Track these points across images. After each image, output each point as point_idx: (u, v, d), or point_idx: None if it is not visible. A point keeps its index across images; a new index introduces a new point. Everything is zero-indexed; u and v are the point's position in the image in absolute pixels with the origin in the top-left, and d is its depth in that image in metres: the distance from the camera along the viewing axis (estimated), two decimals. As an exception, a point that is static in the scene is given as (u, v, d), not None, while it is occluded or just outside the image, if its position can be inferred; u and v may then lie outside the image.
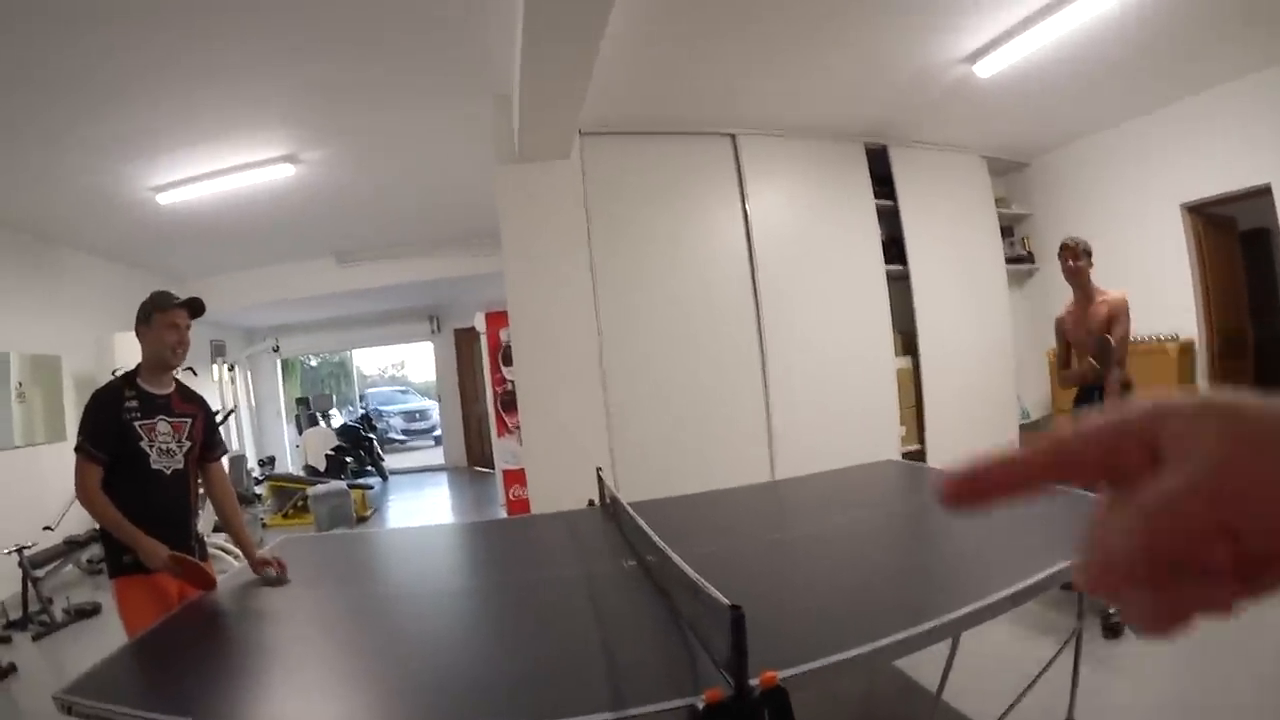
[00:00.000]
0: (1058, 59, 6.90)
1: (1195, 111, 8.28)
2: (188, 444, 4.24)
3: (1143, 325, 5.88)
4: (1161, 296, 8.46)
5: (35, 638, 7.54)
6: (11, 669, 6.62)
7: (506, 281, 7.38)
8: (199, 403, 4.48)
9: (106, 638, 6.51)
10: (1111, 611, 5.15)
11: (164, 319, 4.14)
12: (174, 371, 4.34)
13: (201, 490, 4.56)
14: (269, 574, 4.11)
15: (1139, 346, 7.20)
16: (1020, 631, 5.15)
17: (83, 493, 3.94)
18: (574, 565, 4.08)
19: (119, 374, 4.28)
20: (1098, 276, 6.07)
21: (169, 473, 4.13)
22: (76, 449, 3.95)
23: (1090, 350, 5.91)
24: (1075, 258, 5.99)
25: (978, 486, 0.59)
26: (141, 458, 4.04)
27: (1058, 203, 10.08)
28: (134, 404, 4.07)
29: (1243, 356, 9.10)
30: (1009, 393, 9.26)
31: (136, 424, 4.04)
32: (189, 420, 4.28)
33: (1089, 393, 6.03)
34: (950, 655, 2.89)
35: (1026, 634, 5.08)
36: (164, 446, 4.12)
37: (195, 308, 4.29)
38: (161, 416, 4.14)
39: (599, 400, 7.44)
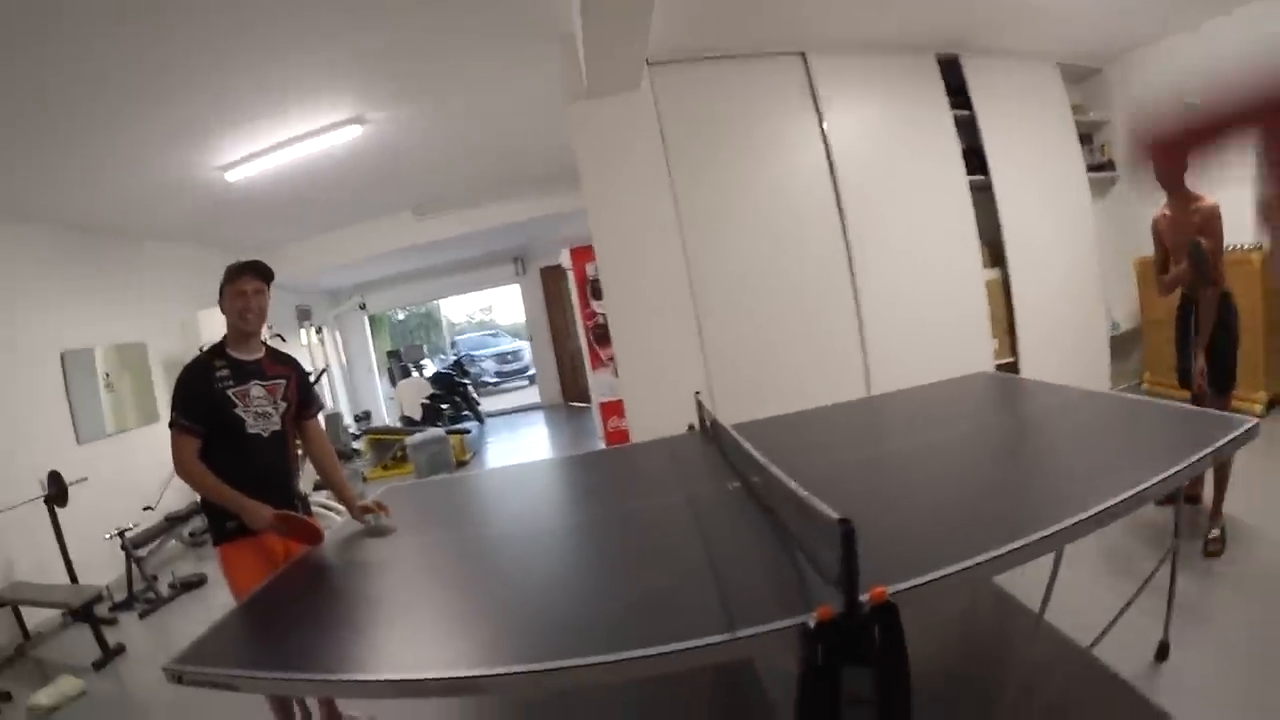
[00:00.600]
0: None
1: (1266, 15, 7.91)
2: (283, 405, 4.32)
3: (1227, 234, 5.67)
4: (1233, 202, 8.25)
5: (142, 615, 7.72)
6: (120, 649, 6.77)
7: (590, 217, 7.41)
8: (291, 364, 4.55)
9: (213, 607, 6.66)
10: (1212, 533, 5.13)
11: (231, 290, 4.22)
12: (260, 336, 4.41)
13: (300, 449, 4.65)
14: (372, 520, 4.22)
15: (1224, 256, 7.09)
16: (1115, 553, 5.12)
17: (180, 466, 4.04)
18: (677, 490, 4.09)
19: (204, 349, 4.32)
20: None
21: (266, 435, 4.22)
22: (170, 424, 4.03)
23: (1183, 257, 5.53)
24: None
25: (1171, 142, 0.63)
26: (237, 424, 4.12)
27: (1136, 107, 9.71)
28: (224, 373, 4.15)
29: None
30: (1098, 304, 9.06)
31: (229, 391, 4.12)
32: (283, 382, 4.37)
33: (1188, 305, 5.70)
34: (1053, 572, 2.87)
35: (1122, 556, 5.05)
36: (259, 410, 4.20)
37: (259, 270, 4.32)
38: (255, 381, 4.23)
39: (692, 326, 7.45)
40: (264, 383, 4.26)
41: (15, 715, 5.96)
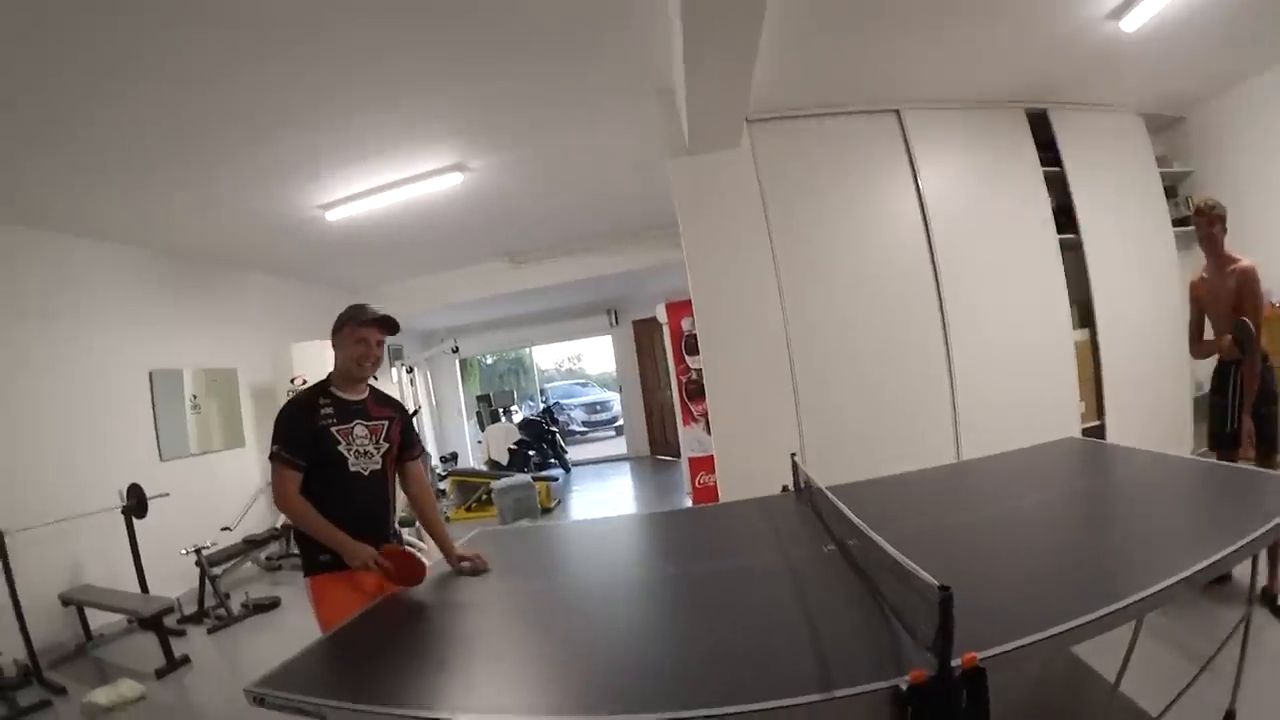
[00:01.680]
0: (1202, 3, 6.74)
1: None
2: (385, 445, 4.41)
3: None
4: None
5: (210, 631, 7.96)
6: (185, 660, 6.96)
7: (689, 272, 7.51)
8: (395, 406, 4.66)
9: (284, 631, 6.79)
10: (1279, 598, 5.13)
11: (354, 334, 4.35)
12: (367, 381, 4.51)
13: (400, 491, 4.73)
14: (466, 568, 4.28)
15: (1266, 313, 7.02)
16: (1186, 622, 5.11)
17: (282, 500, 4.14)
18: (772, 551, 4.12)
19: (303, 382, 4.40)
20: (1232, 242, 5.90)
21: (367, 474, 4.31)
22: (272, 457, 4.13)
23: (1225, 328, 5.79)
24: (1210, 224, 5.81)
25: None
26: (339, 461, 4.21)
27: (1218, 156, 9.66)
28: (329, 410, 4.26)
29: None
30: (1182, 364, 8.80)
31: (333, 429, 4.22)
32: (385, 423, 4.46)
33: (1226, 368, 5.91)
34: (1132, 639, 2.90)
35: (1193, 624, 5.04)
36: (361, 449, 4.30)
37: (388, 326, 4.49)
38: (358, 421, 4.33)
39: (787, 385, 7.50)
40: (368, 423, 4.37)
41: (70, 711, 6.16)
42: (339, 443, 4.22)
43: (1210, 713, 3.90)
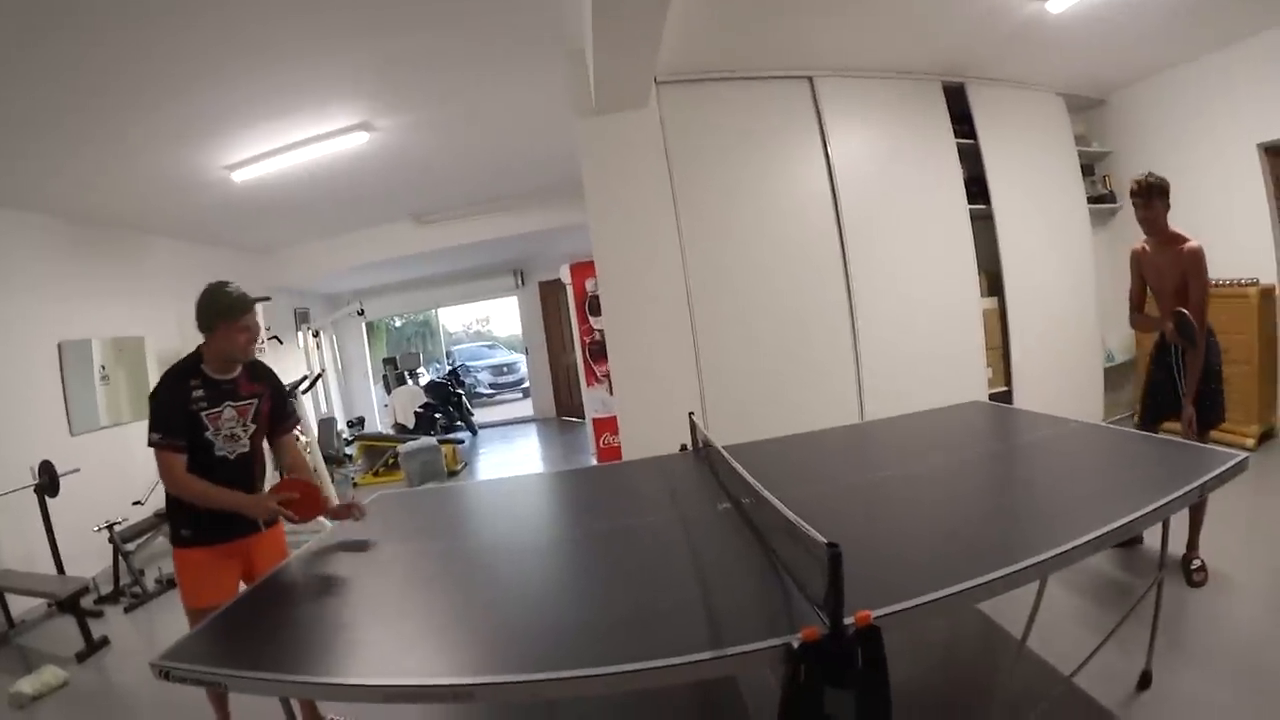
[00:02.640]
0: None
1: (1275, 47, 8.00)
2: (252, 426, 4.34)
3: (1222, 268, 5.66)
4: (1240, 238, 8.31)
5: (127, 609, 7.73)
6: (104, 642, 6.79)
7: (592, 233, 7.42)
8: (267, 380, 4.53)
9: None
10: (1194, 564, 5.18)
11: (236, 325, 4.17)
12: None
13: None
14: (349, 515, 4.32)
15: (1220, 290, 7.01)
16: (1100, 583, 5.15)
17: (175, 484, 4.06)
18: (668, 509, 4.13)
19: (182, 359, 4.27)
20: (1173, 218, 5.68)
21: (233, 457, 4.25)
22: (154, 444, 4.03)
23: (1170, 304, 5.52)
24: (1148, 202, 5.54)
25: None
26: (206, 446, 4.15)
27: (1137, 140, 9.83)
28: (200, 393, 4.15)
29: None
30: (1094, 335, 9.10)
31: (203, 414, 4.13)
32: (254, 401, 4.36)
33: (1167, 349, 5.73)
34: (1036, 599, 2.88)
35: (1106, 585, 5.08)
36: (229, 432, 4.23)
37: (252, 303, 4.29)
38: (228, 403, 4.23)
39: (688, 346, 7.46)
40: (236, 404, 4.27)
41: None
42: (206, 429, 4.15)
43: (1125, 675, 3.96)
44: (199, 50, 5.81)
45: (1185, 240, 5.46)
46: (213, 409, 4.16)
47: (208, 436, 4.14)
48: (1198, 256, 5.35)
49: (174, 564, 4.24)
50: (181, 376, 4.18)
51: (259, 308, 4.31)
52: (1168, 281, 5.62)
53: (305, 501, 4.15)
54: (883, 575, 2.67)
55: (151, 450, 4.04)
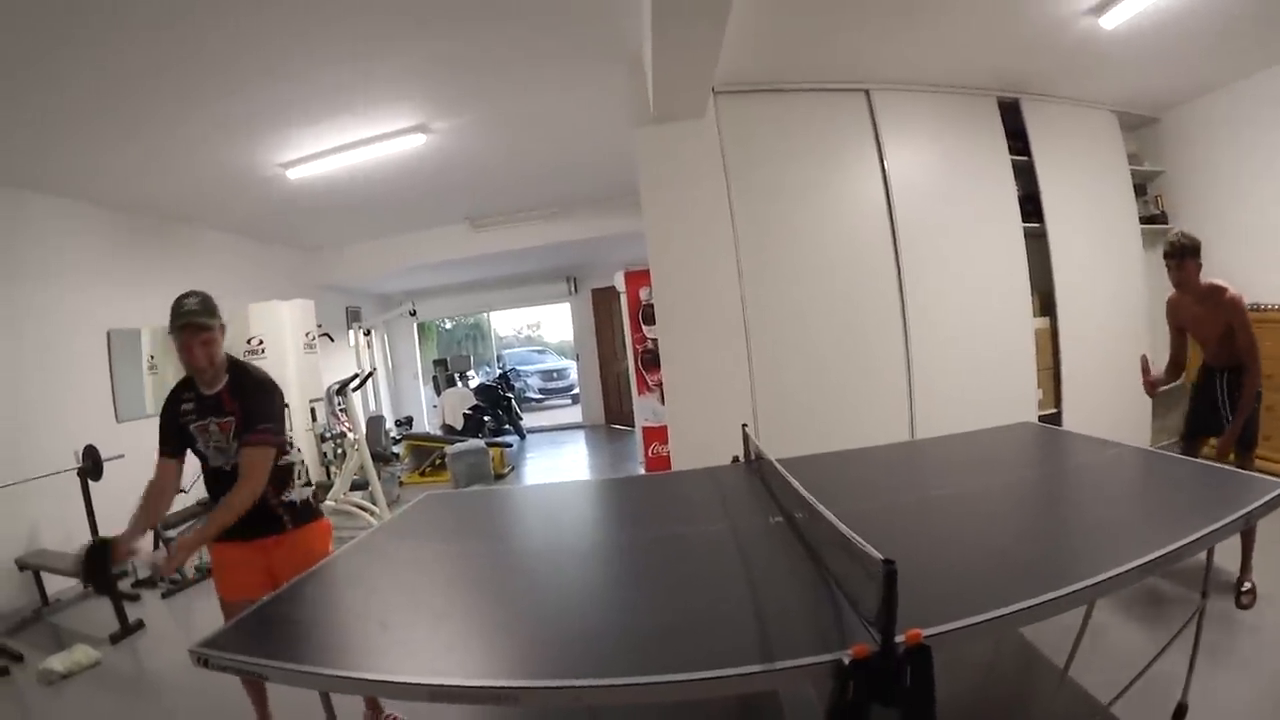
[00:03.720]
0: (1184, 7, 6.70)
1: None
2: (235, 444, 4.30)
3: (1275, 291, 5.67)
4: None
5: (165, 595, 7.83)
6: (139, 625, 6.87)
7: (648, 241, 7.43)
8: (243, 397, 4.39)
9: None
10: (1244, 586, 5.15)
11: (175, 341, 4.33)
12: (219, 372, 4.44)
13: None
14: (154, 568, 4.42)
15: (1264, 314, 6.98)
16: (1144, 610, 5.12)
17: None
18: (719, 520, 4.12)
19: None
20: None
21: (228, 469, 4.30)
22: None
23: (1220, 353, 5.72)
24: (1181, 265, 5.64)
25: None
26: (203, 458, 4.36)
27: (1190, 159, 9.70)
28: (190, 406, 4.32)
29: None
30: (1141, 354, 8.98)
31: (191, 426, 4.29)
32: (233, 418, 4.33)
33: (1212, 377, 5.88)
34: (1083, 624, 2.88)
35: (1150, 613, 5.05)
36: (217, 445, 4.31)
37: (195, 328, 4.30)
38: (212, 417, 4.31)
39: (742, 357, 7.44)
40: (219, 419, 4.32)
41: (26, 677, 6.07)
42: (197, 440, 4.31)
43: (1162, 704, 3.91)
44: (256, 45, 5.91)
45: (1223, 290, 5.55)
46: (199, 422, 4.30)
47: (199, 449, 4.32)
48: (1239, 306, 5.49)
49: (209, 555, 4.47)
50: (178, 389, 4.42)
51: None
52: (1209, 329, 5.73)
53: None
54: (932, 594, 2.64)
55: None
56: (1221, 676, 4.18)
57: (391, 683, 2.45)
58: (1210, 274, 5.70)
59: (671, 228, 7.38)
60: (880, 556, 2.17)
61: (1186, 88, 9.18)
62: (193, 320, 4.28)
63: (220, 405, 4.33)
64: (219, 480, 4.29)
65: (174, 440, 4.28)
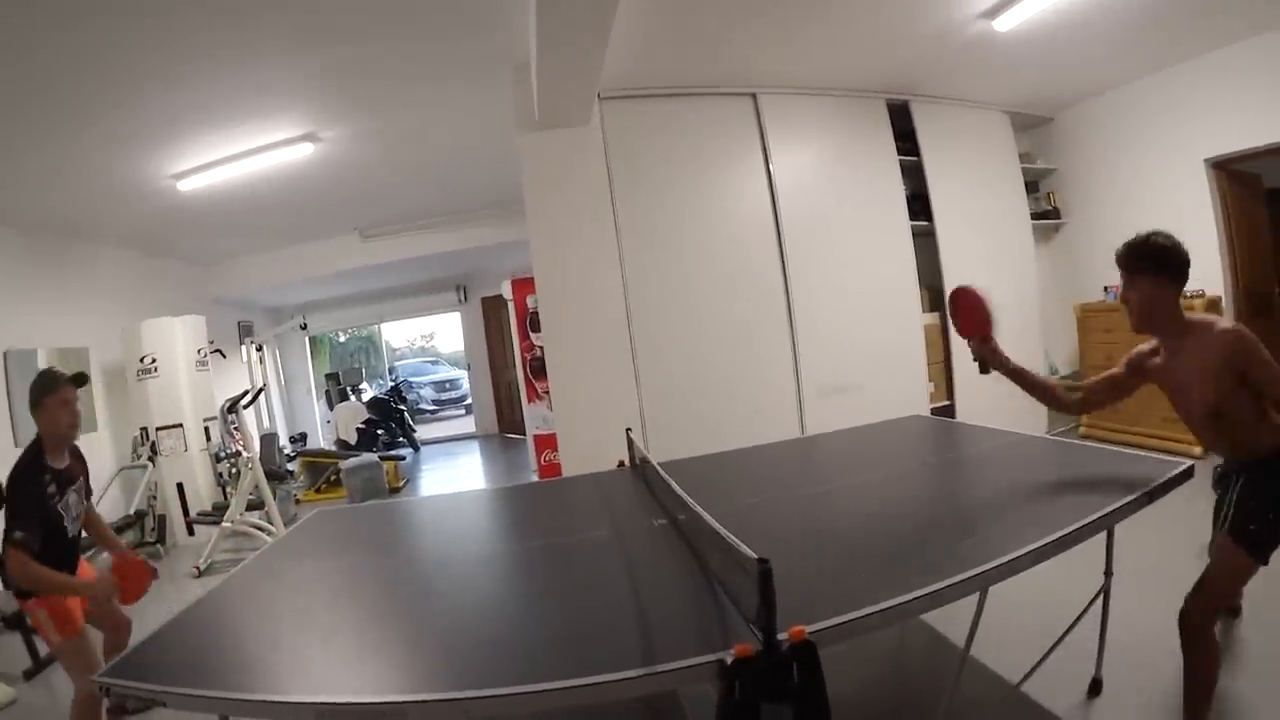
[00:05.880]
0: (1078, 12, 6.83)
1: (1220, 65, 8.19)
2: (85, 504, 4.69)
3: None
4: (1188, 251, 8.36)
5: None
6: (50, 660, 6.70)
7: (532, 249, 7.39)
8: (81, 458, 4.78)
9: (143, 622, 6.57)
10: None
11: (54, 400, 4.41)
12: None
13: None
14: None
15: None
16: (1052, 590, 5.16)
17: (28, 579, 4.14)
18: (605, 526, 4.11)
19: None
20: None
21: (73, 532, 4.54)
22: (13, 543, 4.08)
23: (1205, 426, 3.64)
24: (1130, 281, 3.65)
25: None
26: (63, 531, 4.41)
27: (1083, 157, 10.04)
28: (52, 487, 4.34)
29: (1269, 314, 8.99)
30: (1037, 348, 9.23)
31: (58, 505, 4.35)
32: (81, 479, 4.66)
33: (1226, 479, 3.69)
34: (977, 610, 2.87)
35: (1056, 590, 5.09)
36: (75, 514, 4.52)
37: (79, 380, 4.63)
38: (71, 489, 4.49)
39: (628, 363, 7.45)
40: (74, 488, 4.53)
41: None
42: (64, 517, 4.40)
43: (1077, 680, 4.02)
44: (144, 53, 5.75)
45: (1211, 324, 3.54)
46: (62, 498, 4.39)
47: (65, 525, 4.40)
48: (1244, 339, 3.39)
49: (40, 616, 4.36)
50: (34, 472, 4.32)
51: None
52: (1198, 391, 3.56)
53: (132, 580, 4.54)
54: (821, 589, 2.68)
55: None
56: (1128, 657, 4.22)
57: (280, 702, 2.42)
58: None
59: (555, 234, 7.36)
60: (755, 556, 2.17)
61: (1079, 89, 9.47)
62: (77, 375, 4.64)
63: (73, 475, 4.56)
64: (61, 543, 4.39)
65: (41, 523, 4.21)
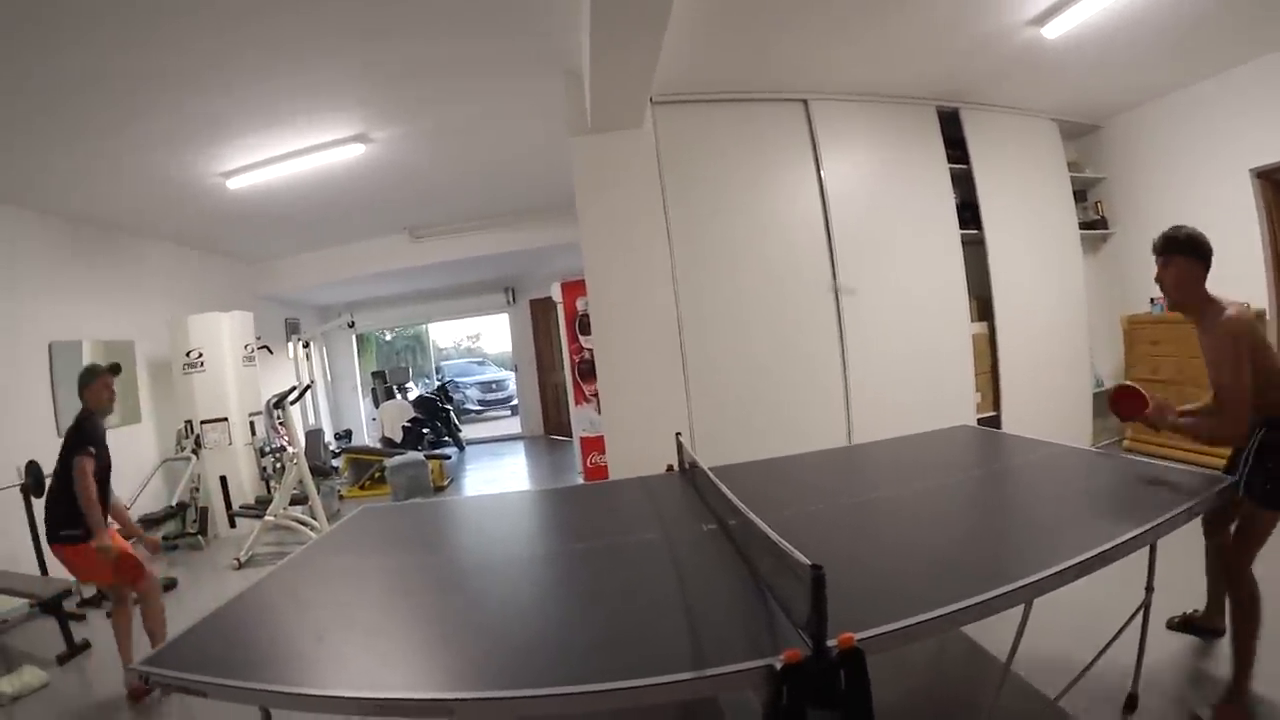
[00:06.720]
0: (1126, 19, 6.77)
1: (1267, 73, 8.05)
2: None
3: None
4: (1231, 265, 8.25)
5: (109, 614, 7.69)
6: (85, 645, 6.76)
7: (584, 252, 7.40)
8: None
9: (181, 611, 6.63)
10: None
11: (99, 383, 5.86)
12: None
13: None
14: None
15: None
16: (1090, 603, 5.13)
17: (83, 484, 5.45)
18: (653, 529, 4.10)
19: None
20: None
21: (108, 486, 5.89)
22: (84, 452, 5.51)
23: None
24: (1167, 262, 4.24)
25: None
26: (106, 475, 5.80)
27: (1130, 166, 9.89)
28: (104, 431, 5.87)
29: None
30: (1083, 359, 9.15)
31: (107, 452, 5.82)
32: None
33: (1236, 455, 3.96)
34: (1022, 621, 2.87)
35: (1097, 606, 5.06)
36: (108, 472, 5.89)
37: (116, 370, 6.06)
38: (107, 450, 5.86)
39: (677, 367, 7.44)
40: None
41: None
42: (109, 465, 5.85)
43: (1112, 696, 3.97)
44: (195, 51, 5.80)
45: (1221, 310, 4.01)
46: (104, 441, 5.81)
47: (108, 473, 5.83)
48: (1228, 331, 3.88)
49: (68, 558, 5.75)
50: (97, 419, 5.83)
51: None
52: (1211, 370, 4.06)
53: (125, 570, 5.74)
54: (869, 597, 2.67)
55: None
56: (1166, 676, 4.20)
57: (324, 696, 2.42)
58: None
59: (607, 237, 7.35)
60: (808, 562, 2.18)
61: (1128, 96, 9.33)
62: (113, 365, 6.08)
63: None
64: (103, 488, 5.72)
65: (100, 449, 5.67)
